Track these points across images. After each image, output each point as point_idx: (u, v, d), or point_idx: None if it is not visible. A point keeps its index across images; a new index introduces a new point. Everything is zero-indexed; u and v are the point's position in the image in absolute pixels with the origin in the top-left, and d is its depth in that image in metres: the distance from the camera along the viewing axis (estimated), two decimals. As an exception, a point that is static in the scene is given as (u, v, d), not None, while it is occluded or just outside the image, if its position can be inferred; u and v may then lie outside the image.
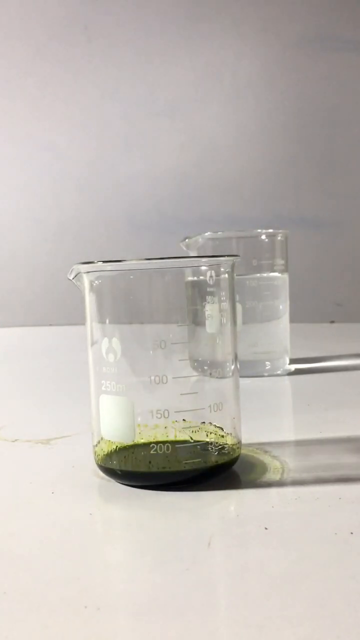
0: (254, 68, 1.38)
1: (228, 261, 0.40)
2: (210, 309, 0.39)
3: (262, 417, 0.56)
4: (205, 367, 0.40)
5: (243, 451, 0.42)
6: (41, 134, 1.44)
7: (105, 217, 1.42)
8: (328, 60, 1.35)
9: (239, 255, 0.42)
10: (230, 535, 0.33)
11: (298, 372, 0.75)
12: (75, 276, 0.40)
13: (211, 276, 0.39)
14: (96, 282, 0.39)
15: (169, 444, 0.38)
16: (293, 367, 0.76)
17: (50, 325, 1.38)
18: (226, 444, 0.40)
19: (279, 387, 0.70)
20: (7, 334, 1.31)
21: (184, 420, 0.39)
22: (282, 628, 0.25)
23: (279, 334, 0.74)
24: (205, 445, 0.39)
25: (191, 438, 0.39)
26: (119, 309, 0.40)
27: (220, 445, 0.39)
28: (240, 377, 0.42)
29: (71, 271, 0.40)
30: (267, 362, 0.73)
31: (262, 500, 0.36)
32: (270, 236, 0.73)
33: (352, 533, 0.32)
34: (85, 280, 0.40)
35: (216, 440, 0.40)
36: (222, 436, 0.40)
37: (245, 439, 0.44)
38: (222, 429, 0.40)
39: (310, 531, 0.33)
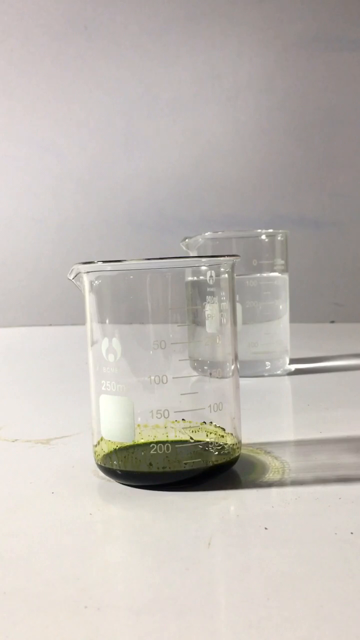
0: (254, 68, 1.38)
1: (228, 261, 0.40)
2: (210, 309, 0.39)
3: (262, 417, 0.56)
4: (205, 367, 0.40)
5: (243, 451, 0.42)
6: (41, 134, 1.44)
7: (105, 216, 1.42)
8: (328, 60, 1.35)
9: (239, 255, 0.42)
10: (230, 535, 0.33)
11: (298, 372, 0.75)
12: (75, 276, 0.40)
13: (211, 276, 0.39)
14: (96, 282, 0.39)
15: (169, 444, 0.38)
16: (293, 367, 0.76)
17: (50, 325, 1.38)
18: (226, 444, 0.40)
19: (279, 387, 0.70)
20: (7, 334, 1.32)
21: (183, 420, 0.39)
22: (282, 628, 0.25)
23: (279, 334, 0.74)
24: (205, 445, 0.39)
25: (191, 438, 0.39)
26: (119, 309, 0.40)
27: (220, 445, 0.39)
28: (240, 377, 0.43)
29: (71, 271, 0.40)
30: (267, 362, 0.73)
31: (262, 500, 0.36)
32: (270, 236, 0.73)
33: (352, 533, 0.32)
34: (85, 280, 0.40)
35: (216, 440, 0.40)
36: (222, 436, 0.40)
37: (245, 439, 0.44)
38: (222, 428, 0.40)
39: (310, 531, 0.33)
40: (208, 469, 0.38)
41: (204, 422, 0.39)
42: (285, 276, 0.74)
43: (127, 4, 1.39)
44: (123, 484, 0.39)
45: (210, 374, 0.40)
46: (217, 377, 0.40)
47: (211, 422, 0.40)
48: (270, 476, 0.40)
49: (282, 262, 0.74)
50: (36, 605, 0.27)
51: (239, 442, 0.41)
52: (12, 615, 0.26)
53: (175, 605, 0.26)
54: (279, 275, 0.73)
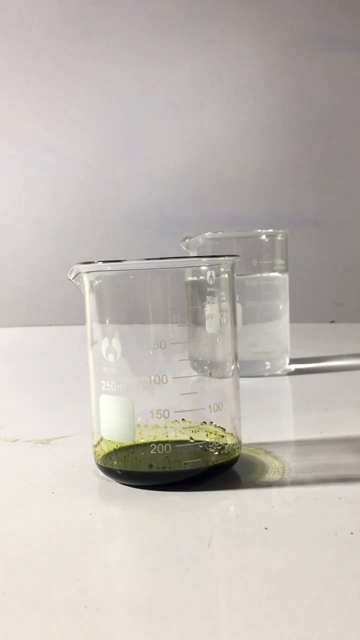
0: (254, 68, 1.38)
1: (228, 261, 0.40)
2: (210, 309, 0.39)
3: (262, 417, 0.56)
4: (205, 367, 0.40)
5: (243, 451, 0.42)
6: (41, 134, 1.44)
7: (105, 217, 1.42)
8: (328, 60, 1.35)
9: (239, 255, 0.42)
10: (230, 535, 0.33)
11: (298, 372, 0.75)
12: (75, 276, 0.40)
13: (211, 276, 0.39)
14: (96, 282, 0.39)
15: (169, 444, 0.38)
16: (293, 367, 0.76)
17: (50, 325, 1.38)
18: (226, 444, 0.40)
19: (279, 387, 0.70)
20: (7, 334, 1.31)
21: (183, 420, 0.39)
22: (282, 628, 0.25)
23: (279, 334, 0.74)
24: (205, 445, 0.39)
25: (191, 438, 0.39)
26: (119, 309, 0.40)
27: (220, 445, 0.39)
28: (240, 377, 0.42)
29: (71, 271, 0.40)
30: (267, 362, 0.73)
31: (262, 500, 0.36)
32: (270, 236, 0.73)
33: (352, 533, 0.32)
34: (85, 280, 0.40)
35: (216, 440, 0.40)
36: (222, 436, 0.40)
37: (245, 439, 0.44)
38: (222, 428, 0.40)
39: (310, 531, 0.33)
40: (208, 469, 0.38)
41: (204, 422, 0.39)
42: (285, 276, 0.74)
43: (127, 4, 1.39)
44: (123, 484, 0.39)
45: (210, 374, 0.40)
46: (217, 377, 0.40)
47: (211, 422, 0.40)
48: (270, 476, 0.40)
49: (282, 262, 0.74)
50: (36, 605, 0.27)
51: (239, 442, 0.41)
52: (12, 615, 0.26)
53: (175, 605, 0.26)
54: (279, 275, 0.73)
